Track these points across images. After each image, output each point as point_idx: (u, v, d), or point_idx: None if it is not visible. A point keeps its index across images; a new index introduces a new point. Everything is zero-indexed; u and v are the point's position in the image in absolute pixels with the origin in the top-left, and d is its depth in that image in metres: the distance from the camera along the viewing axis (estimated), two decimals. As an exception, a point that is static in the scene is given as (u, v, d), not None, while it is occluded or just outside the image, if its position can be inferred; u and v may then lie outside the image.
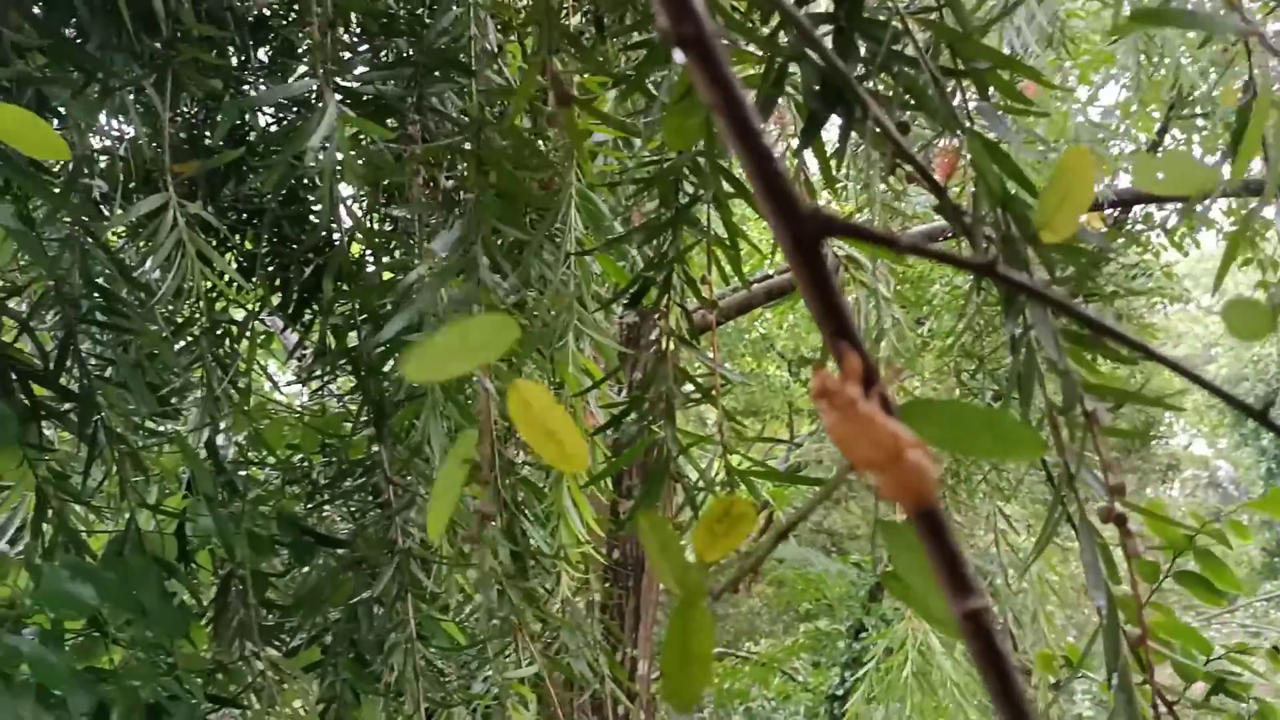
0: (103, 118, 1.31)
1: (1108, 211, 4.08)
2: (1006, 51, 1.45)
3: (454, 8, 1.28)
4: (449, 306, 1.06)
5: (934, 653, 2.14)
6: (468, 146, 1.14)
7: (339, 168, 1.07)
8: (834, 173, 0.87)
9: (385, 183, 1.37)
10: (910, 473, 0.32)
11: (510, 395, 0.39)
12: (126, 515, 1.25)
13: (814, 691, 5.06)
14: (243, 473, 1.58)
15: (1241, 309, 0.40)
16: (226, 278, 1.60)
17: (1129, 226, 4.72)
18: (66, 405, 1.21)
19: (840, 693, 4.40)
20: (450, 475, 0.40)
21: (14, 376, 1.13)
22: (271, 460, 1.66)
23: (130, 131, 1.41)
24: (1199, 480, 13.55)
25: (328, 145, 1.02)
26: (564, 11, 0.98)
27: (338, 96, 1.33)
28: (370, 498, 1.49)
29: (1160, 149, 4.27)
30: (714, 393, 1.02)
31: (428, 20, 1.34)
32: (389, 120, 1.30)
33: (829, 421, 0.33)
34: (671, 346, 1.03)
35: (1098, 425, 0.76)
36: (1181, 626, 1.08)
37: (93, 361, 1.25)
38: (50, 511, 1.15)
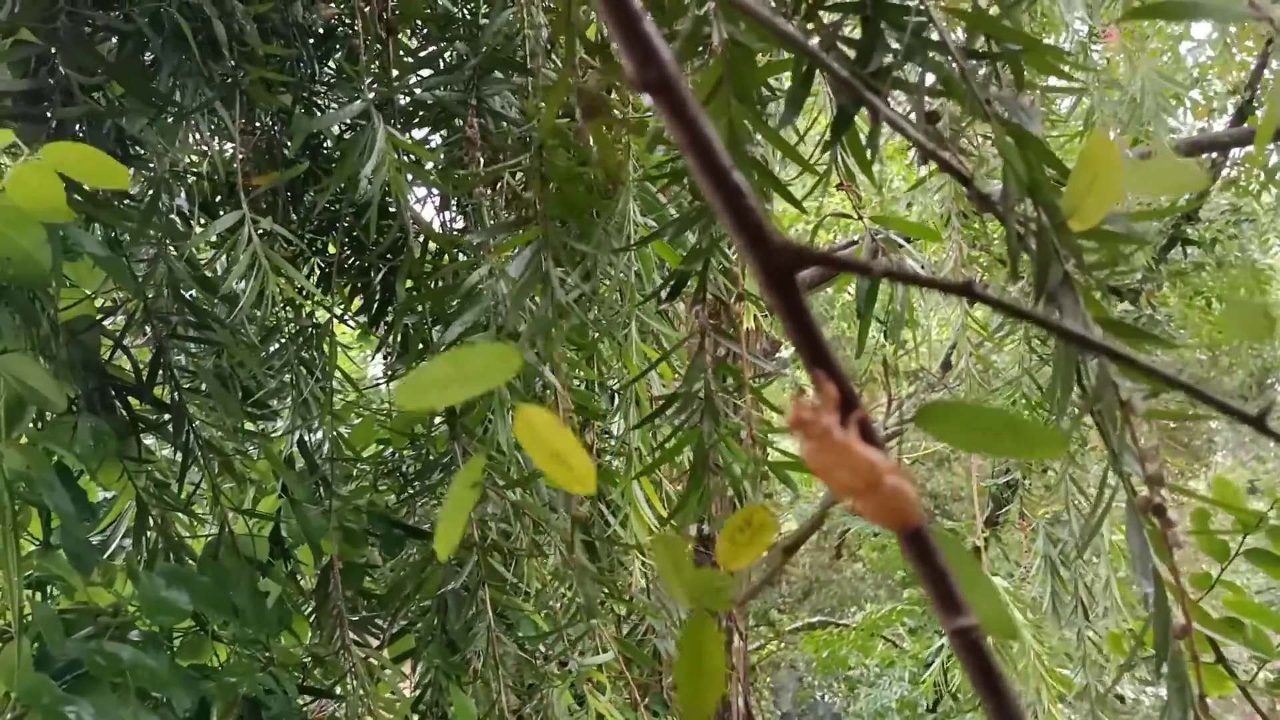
0: (183, 139, 1.37)
1: (1204, 156, 3.92)
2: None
3: (509, 5, 1.30)
4: (534, 322, 1.08)
5: (1014, 624, 2.10)
6: (529, 160, 1.16)
7: (388, 184, 1.11)
8: (871, 167, 0.86)
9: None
10: (889, 498, 0.33)
11: (516, 420, 0.40)
12: (220, 520, 1.32)
13: (916, 658, 5.01)
14: (336, 470, 1.65)
15: (1240, 311, 0.39)
16: (311, 281, 1.67)
17: (1228, 170, 4.52)
18: (162, 418, 1.28)
19: (935, 660, 4.37)
20: (459, 497, 0.42)
21: (113, 392, 1.20)
22: (362, 457, 1.72)
23: (211, 150, 1.48)
24: (1269, 402, 12.89)
25: (377, 169, 1.06)
26: (590, 23, 0.99)
27: (401, 101, 1.37)
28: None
29: (1257, 88, 4.08)
30: (743, 383, 1.02)
31: (483, 21, 1.37)
32: (446, 127, 1.33)
33: (805, 451, 0.34)
34: (709, 337, 1.04)
35: (1133, 413, 0.75)
36: (1254, 605, 1.06)
37: (184, 374, 1.31)
38: (151, 520, 1.22)
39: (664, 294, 1.12)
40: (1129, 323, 0.86)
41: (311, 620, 1.62)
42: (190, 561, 1.26)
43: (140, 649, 1.04)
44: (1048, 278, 0.83)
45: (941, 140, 0.85)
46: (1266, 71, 4.09)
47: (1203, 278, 4.97)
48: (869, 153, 0.82)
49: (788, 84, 0.80)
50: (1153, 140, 2.33)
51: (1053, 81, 0.86)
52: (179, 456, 1.29)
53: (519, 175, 1.40)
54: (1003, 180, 0.83)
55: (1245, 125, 4.29)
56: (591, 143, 1.05)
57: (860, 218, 1.18)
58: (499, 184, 1.39)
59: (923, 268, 1.25)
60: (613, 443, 1.59)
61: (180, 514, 1.31)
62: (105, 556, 1.24)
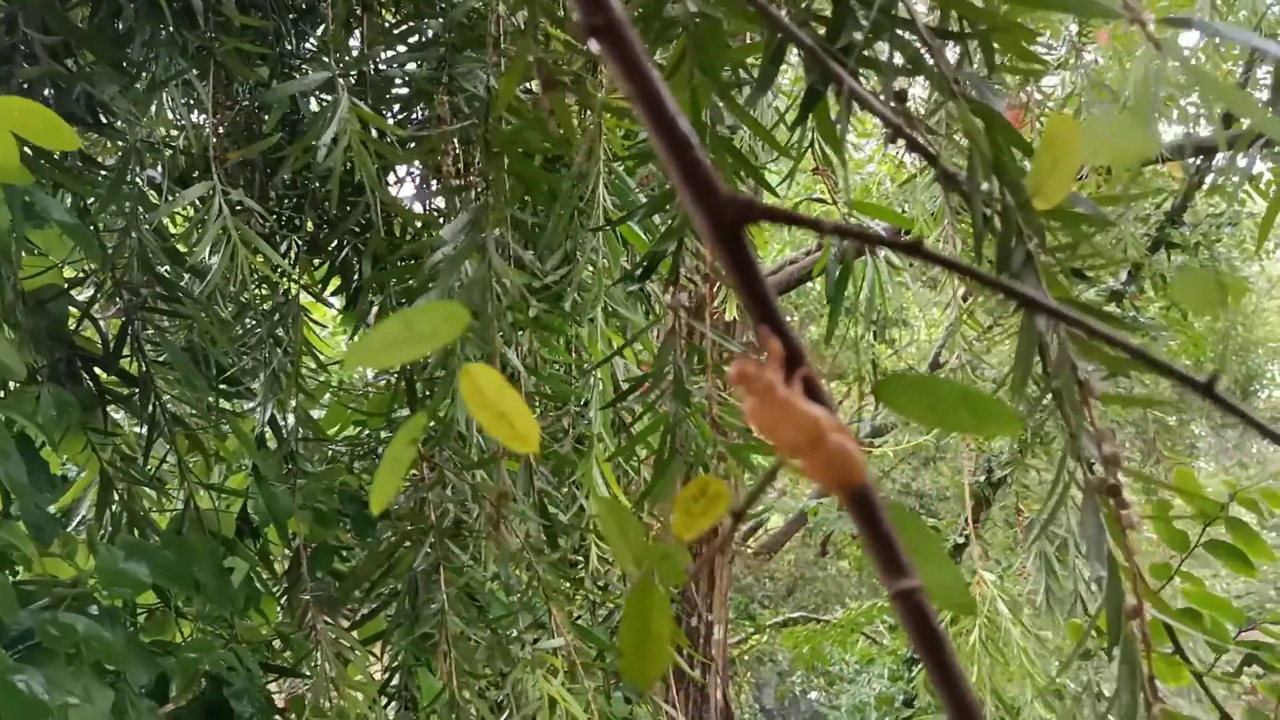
0: (158, 109, 1.36)
1: (1189, 161, 3.93)
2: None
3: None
4: (464, 288, 1.07)
5: (1001, 617, 2.11)
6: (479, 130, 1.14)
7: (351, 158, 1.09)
8: (841, 145, 0.85)
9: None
10: (833, 456, 0.32)
11: (462, 378, 0.39)
12: (187, 496, 1.31)
13: (895, 654, 5.03)
14: (306, 449, 1.63)
15: (1191, 281, 0.39)
16: (287, 260, 1.66)
17: (1211, 175, 4.54)
18: (129, 391, 1.26)
19: (916, 656, 4.37)
20: (396, 453, 0.41)
21: (79, 363, 1.19)
22: (332, 437, 1.71)
23: (186, 123, 1.47)
24: (1215, 371, 12.95)
25: (337, 139, 1.04)
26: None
27: (373, 78, 1.36)
28: (416, 472, 1.53)
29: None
30: (709, 364, 1.02)
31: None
32: (419, 103, 1.32)
33: (748, 407, 0.33)
34: (681, 320, 1.03)
35: (1090, 393, 0.74)
36: (1213, 596, 1.06)
37: (154, 347, 1.30)
38: (116, 493, 1.21)
39: (637, 274, 1.11)
40: (1093, 305, 0.85)
41: (282, 600, 1.61)
42: (155, 537, 1.25)
43: (98, 622, 1.02)
44: (1011, 256, 0.83)
45: (911, 119, 0.84)
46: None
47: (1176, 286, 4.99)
48: (838, 130, 0.81)
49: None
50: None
51: (1026, 64, 0.85)
52: (147, 430, 1.27)
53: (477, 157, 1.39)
54: (968, 159, 0.83)
55: (1231, 130, 4.29)
56: (550, 114, 1.04)
57: (835, 203, 1.17)
58: (470, 162, 1.38)
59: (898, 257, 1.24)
60: (587, 425, 1.58)
61: (147, 489, 1.30)
62: (69, 529, 1.22)
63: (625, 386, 1.36)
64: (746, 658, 6.46)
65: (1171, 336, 5.11)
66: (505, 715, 1.35)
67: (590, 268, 1.24)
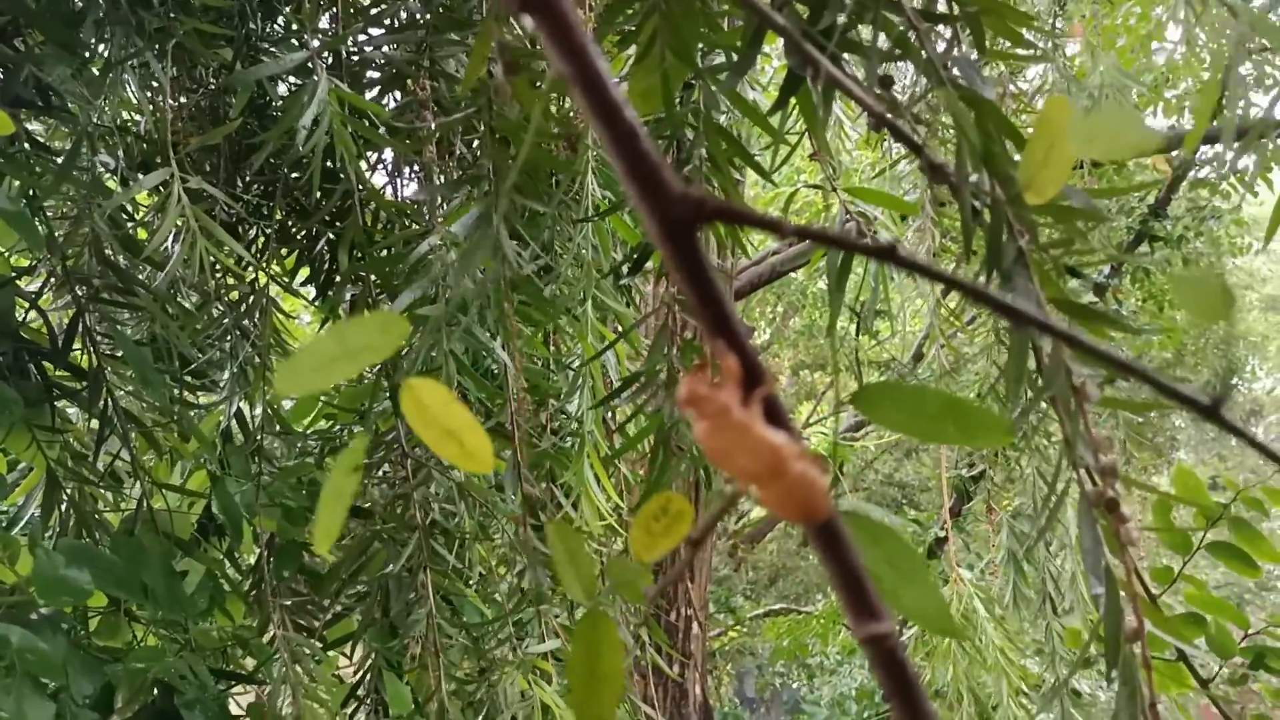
0: (115, 92, 1.30)
1: (1173, 154, 3.92)
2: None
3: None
4: (476, 286, 1.02)
5: (978, 616, 2.09)
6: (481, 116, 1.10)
7: (331, 141, 1.04)
8: (823, 131, 0.81)
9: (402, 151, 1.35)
10: (795, 486, 0.29)
11: (403, 395, 0.35)
12: (140, 495, 1.25)
13: (877, 648, 5.02)
14: (273, 444, 1.58)
15: (1193, 287, 0.35)
16: (254, 249, 1.60)
17: (1196, 169, 4.54)
18: (78, 385, 1.21)
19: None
20: (338, 485, 0.37)
21: (25, 356, 1.13)
22: (299, 430, 1.66)
23: (145, 107, 1.41)
24: (1222, 393, 13.09)
25: (317, 121, 0.99)
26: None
27: (351, 60, 1.31)
28: (394, 470, 1.49)
29: (1226, 88, 4.08)
30: (706, 361, 0.97)
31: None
32: (398, 89, 1.27)
33: (699, 432, 0.30)
34: (674, 314, 0.99)
35: (1087, 399, 0.70)
36: (1215, 600, 1.03)
37: (106, 340, 1.25)
38: (64, 493, 1.16)
39: (626, 269, 1.06)
40: (1086, 304, 0.81)
41: (251, 600, 1.56)
42: (105, 539, 1.20)
43: (38, 630, 0.97)
44: (1001, 253, 0.79)
45: (896, 106, 0.79)
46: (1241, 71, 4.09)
47: (1162, 280, 5.00)
48: (820, 115, 0.76)
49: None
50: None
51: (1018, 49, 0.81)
52: (98, 427, 1.22)
53: (475, 144, 1.34)
54: (956, 149, 0.79)
55: (1214, 124, 4.29)
56: (511, 98, 0.99)
57: (834, 189, 1.13)
58: (453, 150, 1.33)
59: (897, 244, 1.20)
60: (568, 422, 1.54)
61: (99, 488, 1.25)
62: (14, 531, 1.16)
63: (613, 383, 1.32)
64: (728, 649, 6.45)
65: (1152, 330, 5.13)
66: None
67: (574, 260, 1.19)
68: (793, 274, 4.84)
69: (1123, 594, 0.70)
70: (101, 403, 1.20)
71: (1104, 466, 0.69)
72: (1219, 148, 4.42)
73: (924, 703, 0.31)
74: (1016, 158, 0.79)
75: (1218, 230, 5.33)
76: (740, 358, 0.31)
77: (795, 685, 6.58)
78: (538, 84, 0.92)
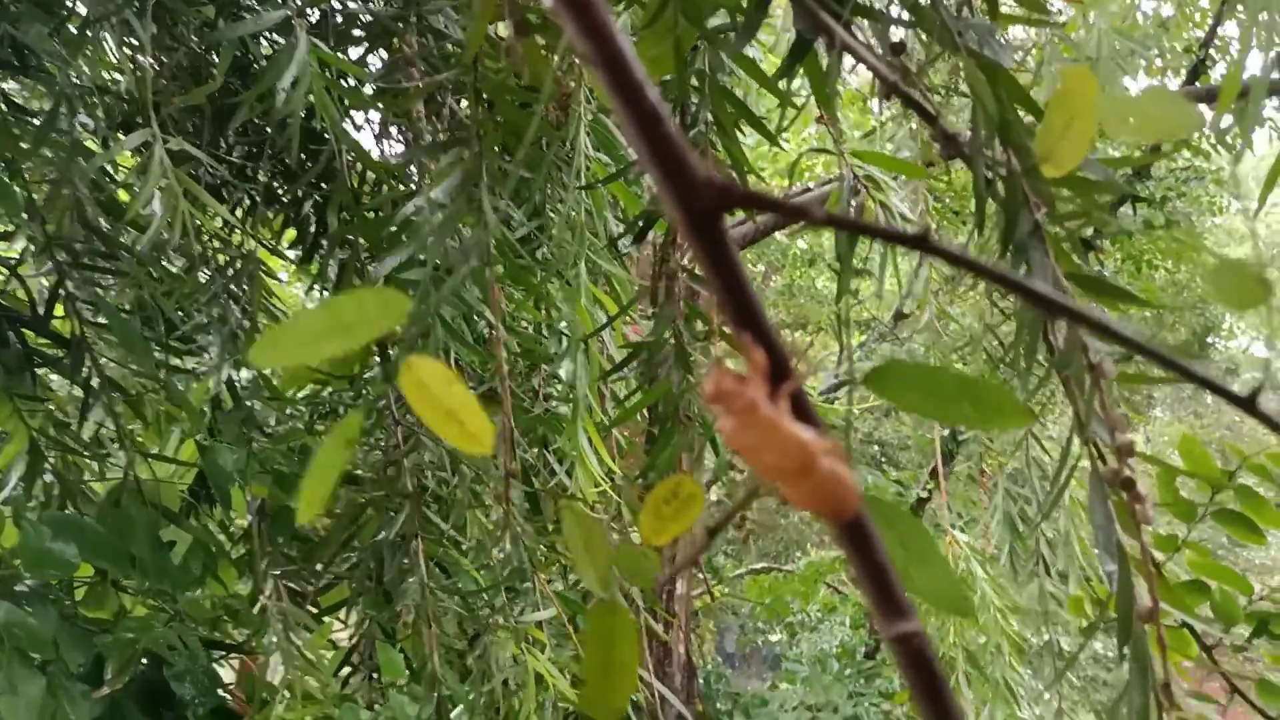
0: (95, 51, 1.26)
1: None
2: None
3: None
4: (462, 248, 1.00)
5: (975, 578, 2.10)
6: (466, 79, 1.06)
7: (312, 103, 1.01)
8: (830, 99, 0.79)
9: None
10: (824, 483, 0.29)
11: (403, 374, 0.34)
12: (126, 465, 1.23)
13: (857, 604, 5.07)
14: (265, 411, 1.56)
15: (1227, 276, 0.34)
16: (239, 212, 1.57)
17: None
18: (61, 353, 1.18)
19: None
20: (329, 456, 0.35)
21: (5, 324, 1.10)
22: (290, 397, 1.63)
23: (126, 67, 1.37)
24: (1257, 382, 13.24)
25: (297, 82, 0.96)
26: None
27: (335, 19, 1.27)
28: (386, 437, 1.47)
29: (1211, 47, 4.08)
30: (714, 329, 0.95)
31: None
32: (384, 44, 1.23)
33: (726, 429, 0.29)
34: (680, 283, 0.97)
35: (1103, 376, 0.69)
36: (1219, 567, 1.03)
37: (89, 307, 1.22)
38: (48, 463, 1.13)
39: (630, 237, 1.04)
40: (1103, 279, 0.80)
41: (245, 565, 1.54)
42: (90, 509, 1.17)
43: (27, 602, 0.95)
44: (1016, 227, 0.78)
45: (907, 74, 0.78)
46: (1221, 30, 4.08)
47: (1141, 240, 5.02)
48: (829, 82, 0.74)
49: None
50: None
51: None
52: (83, 396, 1.19)
53: (463, 104, 1.31)
54: (972, 119, 0.77)
55: (1199, 84, 4.30)
56: (523, 60, 0.96)
57: (841, 153, 1.10)
58: (441, 111, 1.30)
59: (906, 205, 1.18)
60: (560, 387, 1.52)
61: (85, 458, 1.22)
62: (-1, 502, 1.14)
63: (607, 347, 1.30)
64: (711, 607, 6.50)
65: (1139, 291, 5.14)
66: (485, 687, 1.30)
67: (566, 224, 1.17)
68: (775, 234, 4.81)
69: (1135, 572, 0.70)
70: (85, 371, 1.18)
71: (1120, 445, 0.68)
72: (1201, 107, 4.42)
73: (952, 703, 0.30)
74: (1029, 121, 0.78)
75: (1198, 190, 5.34)
76: (767, 351, 0.30)
77: (775, 640, 6.64)
78: (548, 48, 0.89)
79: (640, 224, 0.99)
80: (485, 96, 1.12)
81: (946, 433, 4.35)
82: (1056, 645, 2.10)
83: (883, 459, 7.27)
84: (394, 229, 1.11)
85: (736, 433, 0.29)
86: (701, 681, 4.44)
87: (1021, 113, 0.77)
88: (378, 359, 1.31)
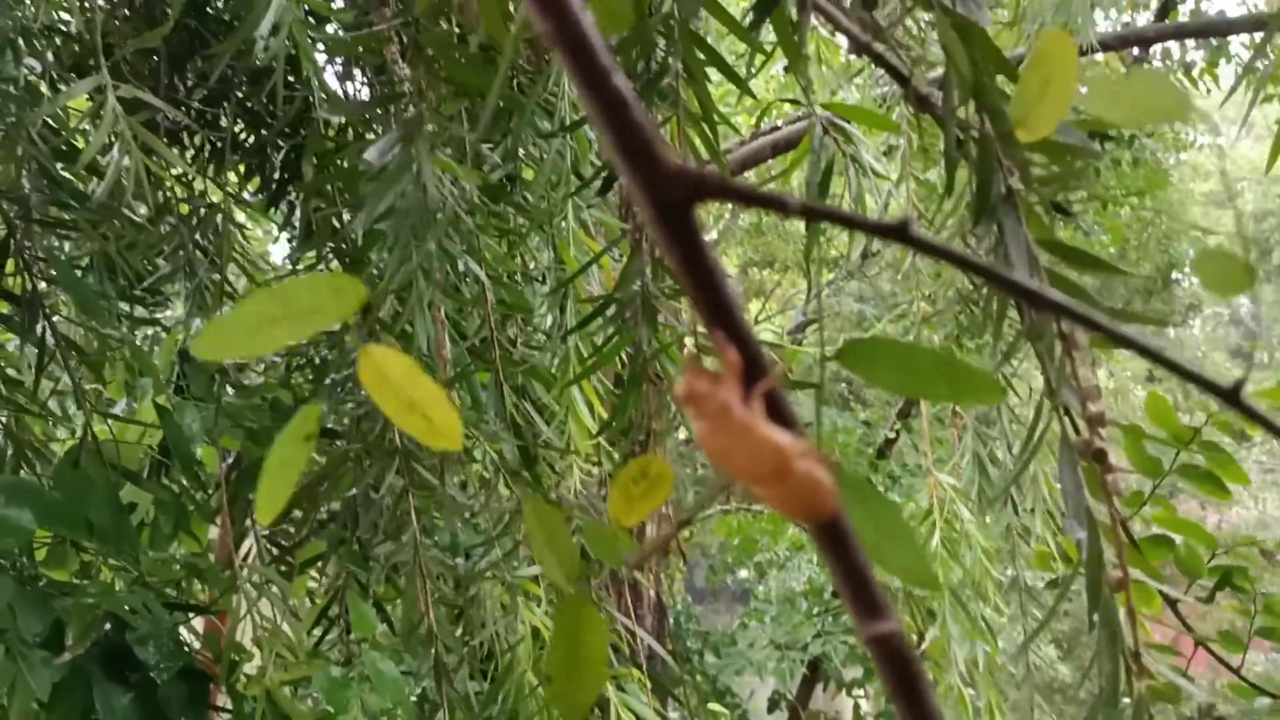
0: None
1: (1127, 51, 3.90)
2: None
3: None
4: (400, 213, 0.96)
5: (961, 520, 2.11)
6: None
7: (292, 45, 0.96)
8: (798, 54, 0.76)
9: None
10: (800, 486, 0.29)
11: (361, 364, 0.32)
12: (85, 425, 1.19)
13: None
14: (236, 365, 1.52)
15: (1215, 262, 0.33)
16: (200, 159, 1.51)
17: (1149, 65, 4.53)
18: (12, 310, 1.13)
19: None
20: (287, 453, 0.33)
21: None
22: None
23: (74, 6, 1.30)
24: (1220, 318, 13.47)
25: (276, 28, 0.91)
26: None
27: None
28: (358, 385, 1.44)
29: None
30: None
31: None
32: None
33: (699, 431, 0.28)
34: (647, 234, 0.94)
35: (1075, 347, 0.68)
36: (1184, 521, 1.03)
37: (43, 262, 1.17)
38: (0, 423, 1.09)
39: (596, 186, 1.01)
40: (1072, 247, 0.78)
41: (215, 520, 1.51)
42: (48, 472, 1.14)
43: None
44: (990, 193, 0.75)
45: (879, 31, 0.74)
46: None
47: (1108, 177, 5.03)
48: (797, 38, 0.71)
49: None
50: (1079, 35, 2.27)
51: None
52: (37, 354, 1.15)
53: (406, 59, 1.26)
54: (944, 80, 0.75)
55: (1168, 21, 4.29)
56: (477, 19, 0.91)
57: (810, 104, 1.07)
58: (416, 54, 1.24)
59: (876, 160, 1.16)
60: (539, 337, 1.49)
61: (40, 418, 1.18)
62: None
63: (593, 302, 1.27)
64: (680, 546, 6.55)
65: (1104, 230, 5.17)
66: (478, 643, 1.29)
67: (551, 169, 1.13)
68: (746, 173, 4.75)
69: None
70: (39, 329, 1.13)
71: (1091, 415, 0.67)
72: (1171, 44, 4.42)
73: (931, 704, 0.30)
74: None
75: (1163, 127, 5.34)
76: (741, 349, 0.29)
77: (744, 576, 6.72)
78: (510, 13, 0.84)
79: (607, 173, 0.95)
80: (424, 51, 1.06)
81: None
82: (1023, 582, 2.15)
83: (850, 397, 7.31)
84: (371, 180, 1.07)
85: (709, 437, 0.28)
86: (672, 621, 4.49)
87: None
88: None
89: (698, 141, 0.98)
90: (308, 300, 0.31)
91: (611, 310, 0.95)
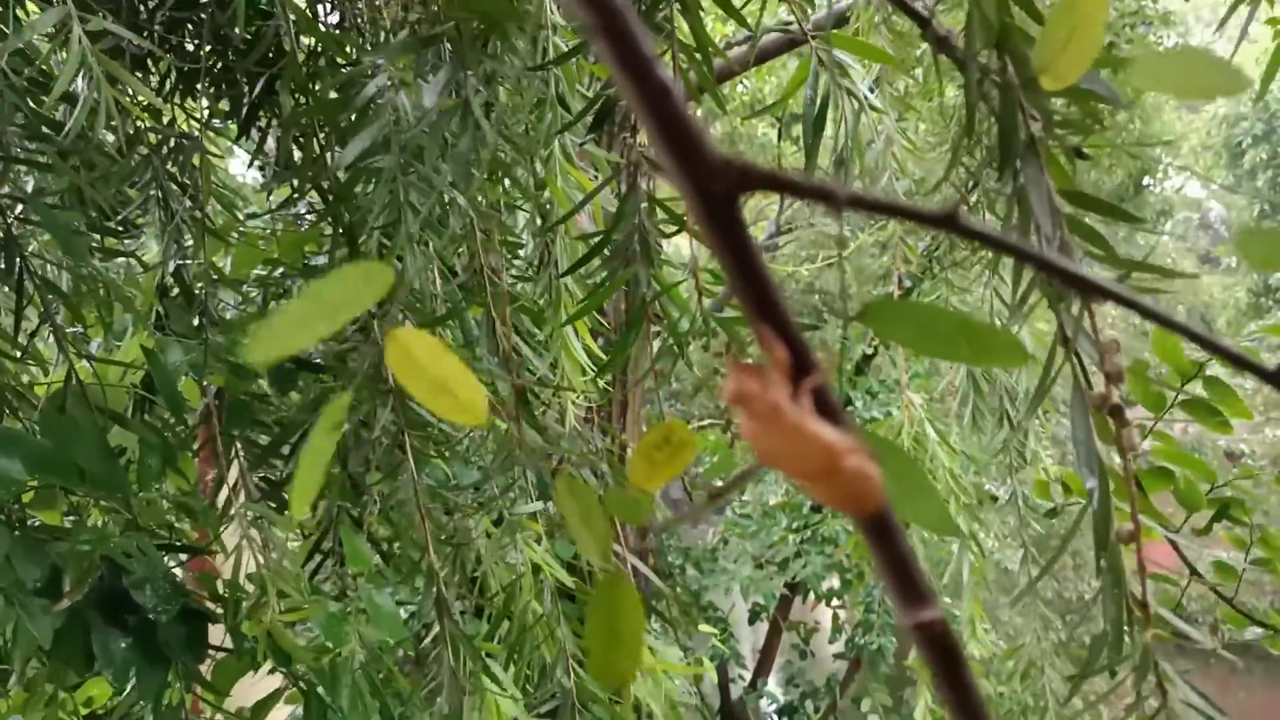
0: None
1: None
2: None
3: None
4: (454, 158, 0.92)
5: (928, 440, 2.15)
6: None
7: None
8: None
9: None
10: (849, 483, 0.29)
11: (388, 347, 0.33)
12: (67, 368, 1.16)
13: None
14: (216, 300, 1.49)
15: (1259, 239, 0.33)
16: (166, 85, 1.45)
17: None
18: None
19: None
20: (318, 447, 0.34)
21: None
22: (246, 281, 1.56)
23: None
24: (1190, 223, 13.55)
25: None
26: None
27: None
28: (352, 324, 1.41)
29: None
30: (685, 225, 0.91)
31: None
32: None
33: (748, 431, 0.28)
34: (643, 171, 0.92)
35: (1096, 300, 0.66)
36: (1184, 454, 1.04)
37: (15, 203, 1.12)
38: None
39: (587, 122, 0.97)
40: (1095, 197, 0.77)
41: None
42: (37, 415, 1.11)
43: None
44: (1013, 142, 0.73)
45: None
46: None
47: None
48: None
49: None
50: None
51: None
52: (15, 297, 1.11)
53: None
54: (966, 23, 0.72)
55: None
56: None
57: (806, 35, 1.03)
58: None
59: (871, 91, 1.12)
60: (519, 264, 1.47)
61: (22, 363, 1.15)
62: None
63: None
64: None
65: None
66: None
67: (540, 98, 1.09)
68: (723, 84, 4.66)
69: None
70: (16, 271, 1.09)
71: (1109, 370, 0.66)
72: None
73: (974, 690, 0.31)
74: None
75: (1146, 33, 5.29)
76: (788, 344, 0.29)
77: (718, 482, 6.80)
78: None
79: (599, 107, 0.92)
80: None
81: (895, 287, 4.37)
82: (1020, 496, 2.20)
83: (824, 308, 7.32)
84: (355, 110, 1.03)
85: (760, 437, 0.29)
86: (653, 537, 4.54)
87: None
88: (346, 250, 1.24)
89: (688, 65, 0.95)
90: (341, 293, 0.31)
91: (608, 253, 0.93)
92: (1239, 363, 0.35)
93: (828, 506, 0.29)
